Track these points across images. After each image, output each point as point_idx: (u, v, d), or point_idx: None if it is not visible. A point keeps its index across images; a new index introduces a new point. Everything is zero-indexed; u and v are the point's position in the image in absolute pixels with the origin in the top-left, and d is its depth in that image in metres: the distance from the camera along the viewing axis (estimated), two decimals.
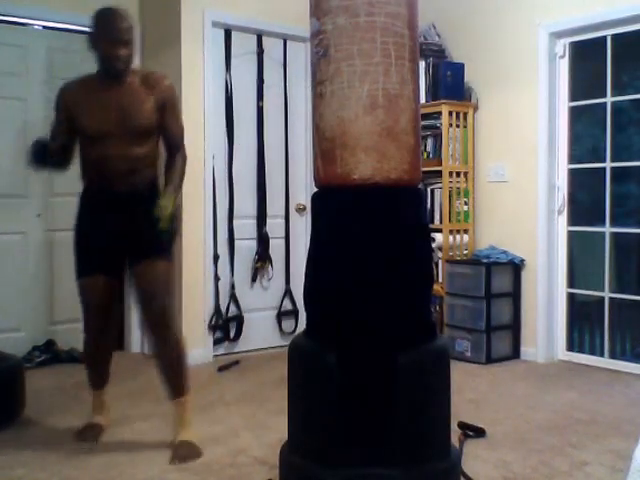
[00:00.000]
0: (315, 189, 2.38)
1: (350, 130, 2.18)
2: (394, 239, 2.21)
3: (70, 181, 4.71)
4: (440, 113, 4.91)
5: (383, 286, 2.20)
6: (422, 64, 4.90)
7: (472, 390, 3.95)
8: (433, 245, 4.68)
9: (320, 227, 2.32)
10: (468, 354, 4.63)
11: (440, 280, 4.88)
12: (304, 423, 2.29)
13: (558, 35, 4.63)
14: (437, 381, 2.25)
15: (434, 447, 2.23)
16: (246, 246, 4.90)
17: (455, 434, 2.91)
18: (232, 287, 4.82)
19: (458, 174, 5.00)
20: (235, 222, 4.83)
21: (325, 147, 2.24)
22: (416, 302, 2.26)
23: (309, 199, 5.10)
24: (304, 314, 5.17)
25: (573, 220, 4.71)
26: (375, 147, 2.17)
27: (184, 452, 2.88)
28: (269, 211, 4.97)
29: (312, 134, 2.37)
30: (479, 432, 3.13)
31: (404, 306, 2.22)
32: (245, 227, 4.88)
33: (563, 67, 4.69)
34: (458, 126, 4.97)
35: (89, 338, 3.10)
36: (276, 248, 5.01)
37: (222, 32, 4.75)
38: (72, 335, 4.70)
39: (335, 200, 2.28)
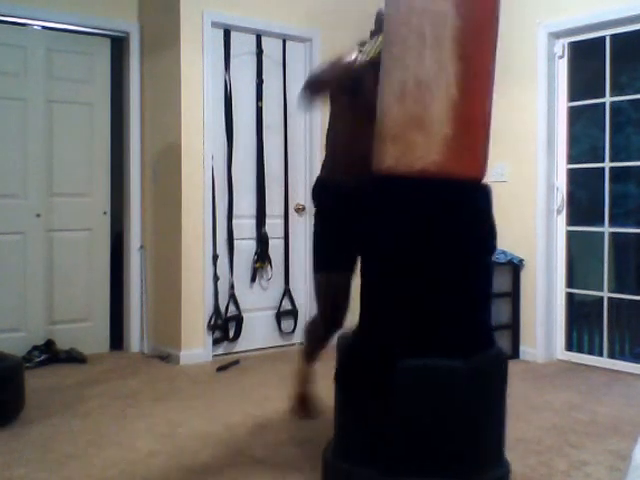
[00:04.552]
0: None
1: (384, 120, 2.14)
2: (421, 230, 2.12)
3: (70, 181, 4.77)
4: None
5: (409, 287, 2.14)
6: None
7: None
8: None
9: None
10: None
11: None
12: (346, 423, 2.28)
13: (557, 35, 4.64)
14: (493, 390, 2.20)
15: (486, 457, 2.16)
16: (245, 246, 4.90)
17: None
18: (231, 287, 4.82)
19: None
20: (234, 222, 4.82)
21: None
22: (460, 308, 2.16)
23: (308, 199, 5.16)
24: (303, 314, 5.20)
25: (572, 220, 4.72)
26: (401, 137, 2.09)
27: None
28: (268, 211, 4.97)
29: None
30: None
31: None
32: (244, 227, 4.88)
33: (562, 67, 4.69)
34: None
35: (322, 328, 3.08)
36: (275, 248, 5.01)
37: (221, 32, 4.75)
38: (72, 335, 4.71)
39: (372, 190, 2.26)
